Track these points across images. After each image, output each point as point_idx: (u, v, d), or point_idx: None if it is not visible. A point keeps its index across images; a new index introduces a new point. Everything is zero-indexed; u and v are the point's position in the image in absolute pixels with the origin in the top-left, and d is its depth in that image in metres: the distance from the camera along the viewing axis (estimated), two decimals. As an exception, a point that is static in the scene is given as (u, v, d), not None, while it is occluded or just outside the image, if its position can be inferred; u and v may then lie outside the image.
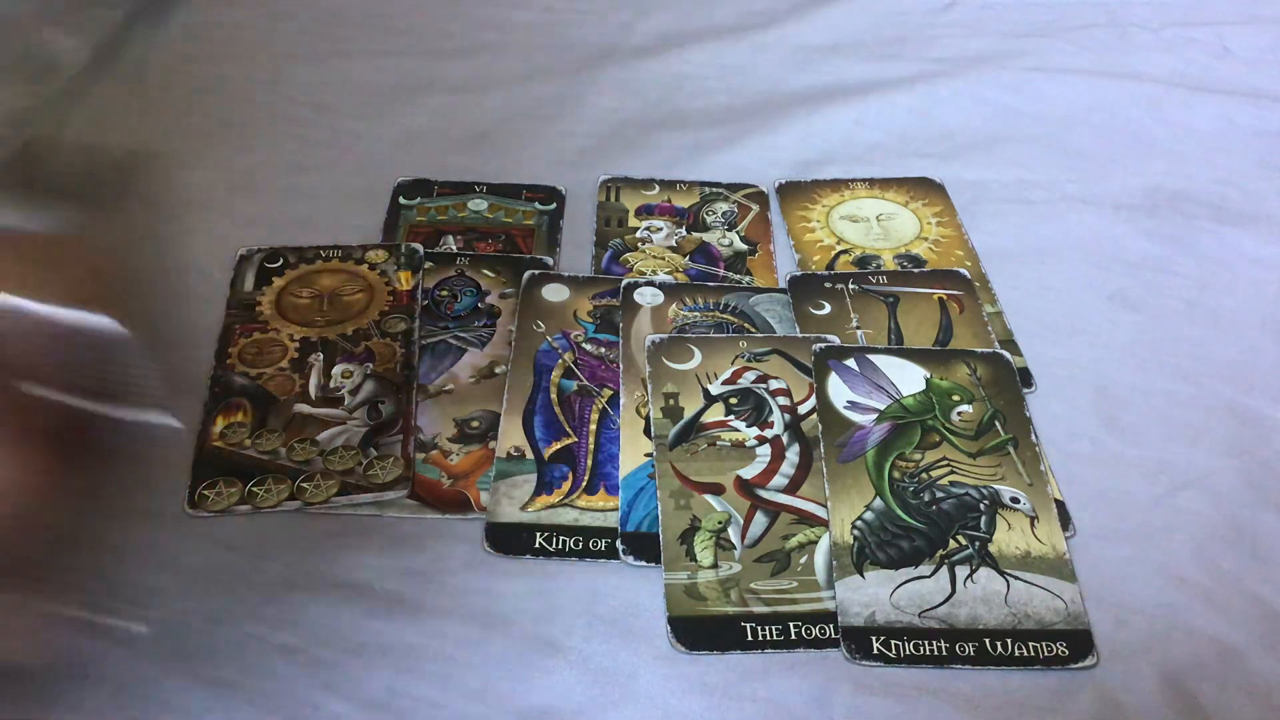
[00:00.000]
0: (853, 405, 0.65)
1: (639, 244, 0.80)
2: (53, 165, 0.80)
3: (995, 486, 0.61)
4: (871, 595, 0.56)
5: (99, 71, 0.94)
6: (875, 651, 0.54)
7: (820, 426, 0.64)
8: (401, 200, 0.83)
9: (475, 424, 0.65)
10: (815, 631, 0.55)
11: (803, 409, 0.65)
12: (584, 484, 0.62)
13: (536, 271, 0.75)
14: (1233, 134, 0.92)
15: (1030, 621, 0.55)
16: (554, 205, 0.83)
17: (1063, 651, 0.54)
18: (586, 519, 0.60)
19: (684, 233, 0.81)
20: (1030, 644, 0.54)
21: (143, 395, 0.61)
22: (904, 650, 0.54)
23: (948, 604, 0.56)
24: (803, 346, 0.69)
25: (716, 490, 0.61)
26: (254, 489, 0.60)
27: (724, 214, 0.83)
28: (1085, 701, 0.52)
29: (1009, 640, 0.54)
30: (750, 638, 0.54)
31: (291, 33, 1.02)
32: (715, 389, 0.66)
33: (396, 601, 0.55)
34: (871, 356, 0.68)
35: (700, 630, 0.54)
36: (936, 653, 0.54)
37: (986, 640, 0.54)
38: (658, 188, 0.85)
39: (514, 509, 0.60)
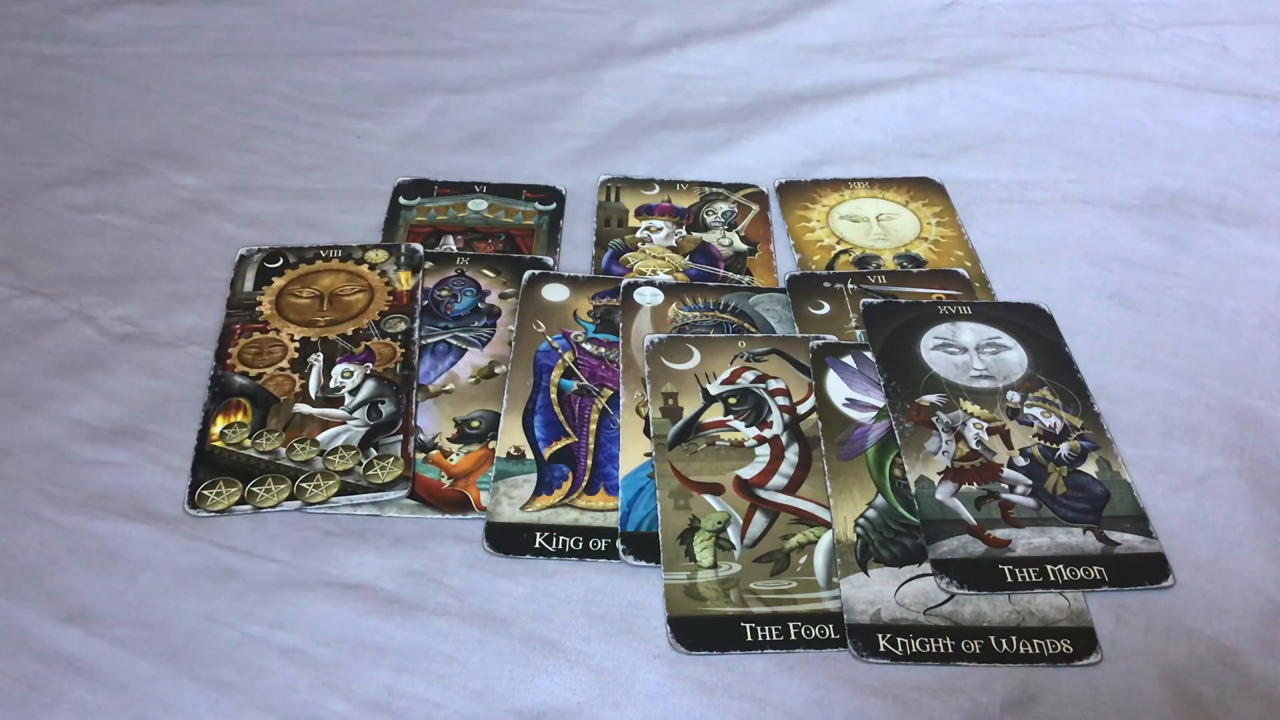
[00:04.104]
0: (851, 403, 0.65)
1: (639, 244, 0.80)
2: None
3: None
4: (876, 593, 0.56)
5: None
6: (882, 649, 0.54)
7: (820, 424, 0.64)
8: (401, 200, 0.83)
9: (475, 424, 0.65)
10: (815, 632, 0.54)
11: (802, 409, 0.65)
12: (584, 484, 0.61)
13: (536, 271, 0.75)
14: (1233, 134, 0.92)
15: (1034, 619, 0.55)
16: (554, 205, 0.83)
17: (1066, 649, 0.54)
18: (586, 519, 0.60)
19: (684, 233, 0.81)
20: (1034, 641, 0.54)
21: None
22: (910, 648, 0.54)
23: (952, 601, 0.56)
24: (802, 346, 0.69)
25: (716, 490, 0.61)
26: (254, 489, 0.60)
27: (724, 214, 0.83)
28: (1086, 700, 0.52)
29: (1013, 637, 0.54)
30: (750, 638, 0.54)
31: (292, 33, 1.02)
32: (714, 389, 0.66)
33: (396, 601, 0.55)
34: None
35: (700, 630, 0.54)
36: (942, 650, 0.54)
37: (991, 638, 0.54)
38: (658, 188, 0.85)
39: (514, 509, 0.60)
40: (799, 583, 0.56)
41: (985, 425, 0.64)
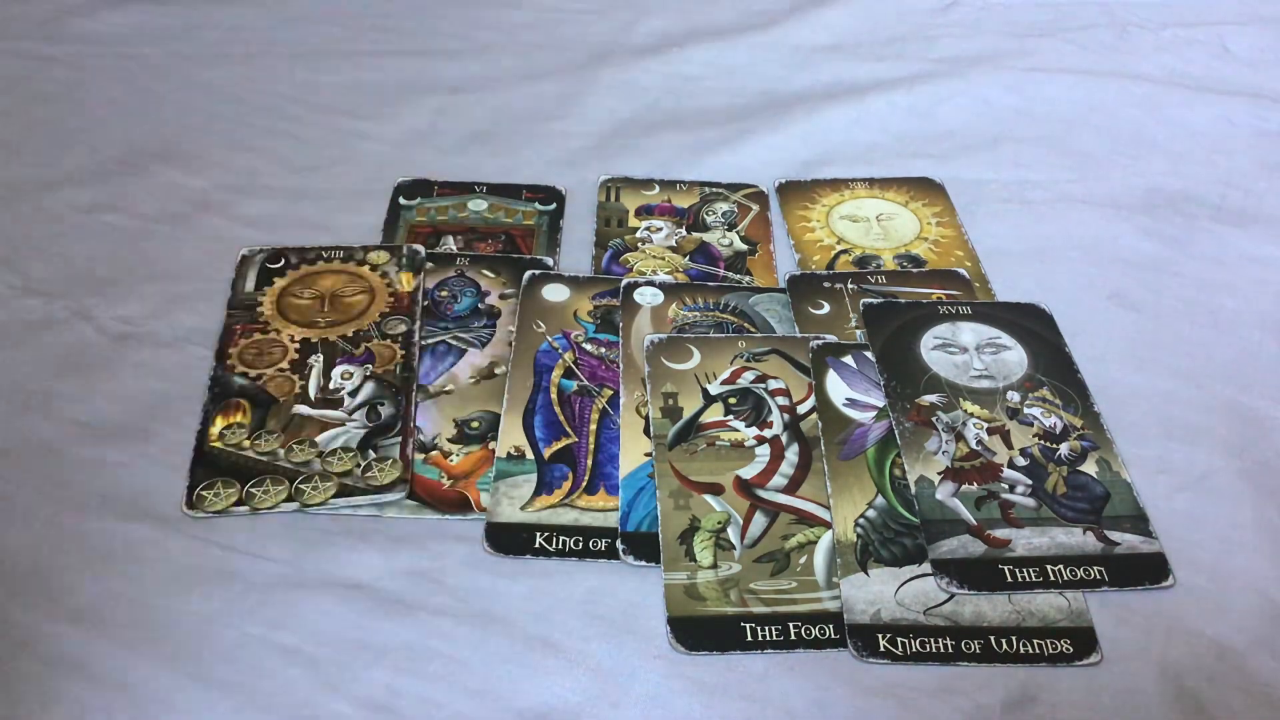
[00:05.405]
0: (851, 403, 0.65)
1: (639, 244, 0.80)
2: None
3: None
4: (876, 593, 0.56)
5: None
6: (882, 649, 0.54)
7: (820, 424, 0.64)
8: (401, 200, 0.83)
9: (475, 424, 0.65)
10: (815, 632, 0.54)
11: (802, 409, 0.65)
12: (584, 484, 0.61)
13: (536, 271, 0.75)
14: (1233, 134, 0.92)
15: (1034, 619, 0.55)
16: (554, 205, 0.83)
17: (1066, 649, 0.54)
18: (586, 519, 0.59)
19: (684, 233, 0.81)
20: (1034, 641, 0.54)
21: None
22: (910, 648, 0.54)
23: (952, 601, 0.56)
24: (802, 346, 0.69)
25: (716, 490, 0.61)
26: (252, 490, 0.60)
27: (724, 214, 0.83)
28: (1086, 700, 0.52)
29: (1013, 637, 0.54)
30: (750, 638, 0.54)
31: (291, 33, 1.02)
32: (714, 389, 0.66)
33: (396, 601, 0.55)
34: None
35: (700, 630, 0.54)
36: (942, 650, 0.54)
37: (991, 638, 0.54)
38: (658, 188, 0.85)
39: (514, 509, 0.60)
40: (799, 583, 0.56)
41: (985, 425, 0.64)
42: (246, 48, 0.99)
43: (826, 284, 0.75)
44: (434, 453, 0.63)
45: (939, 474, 0.61)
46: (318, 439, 0.63)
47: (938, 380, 0.67)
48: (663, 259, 0.78)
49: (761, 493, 0.61)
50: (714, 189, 0.85)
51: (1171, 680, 0.53)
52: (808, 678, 0.53)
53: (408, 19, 1.05)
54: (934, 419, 0.64)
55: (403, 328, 0.70)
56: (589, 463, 0.63)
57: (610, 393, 0.67)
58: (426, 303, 0.73)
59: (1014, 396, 0.66)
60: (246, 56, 0.98)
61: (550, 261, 0.77)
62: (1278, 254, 0.79)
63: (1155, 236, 0.81)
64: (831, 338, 0.70)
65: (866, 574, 0.57)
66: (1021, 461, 0.62)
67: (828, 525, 0.59)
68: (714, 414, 0.65)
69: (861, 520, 0.59)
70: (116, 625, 0.54)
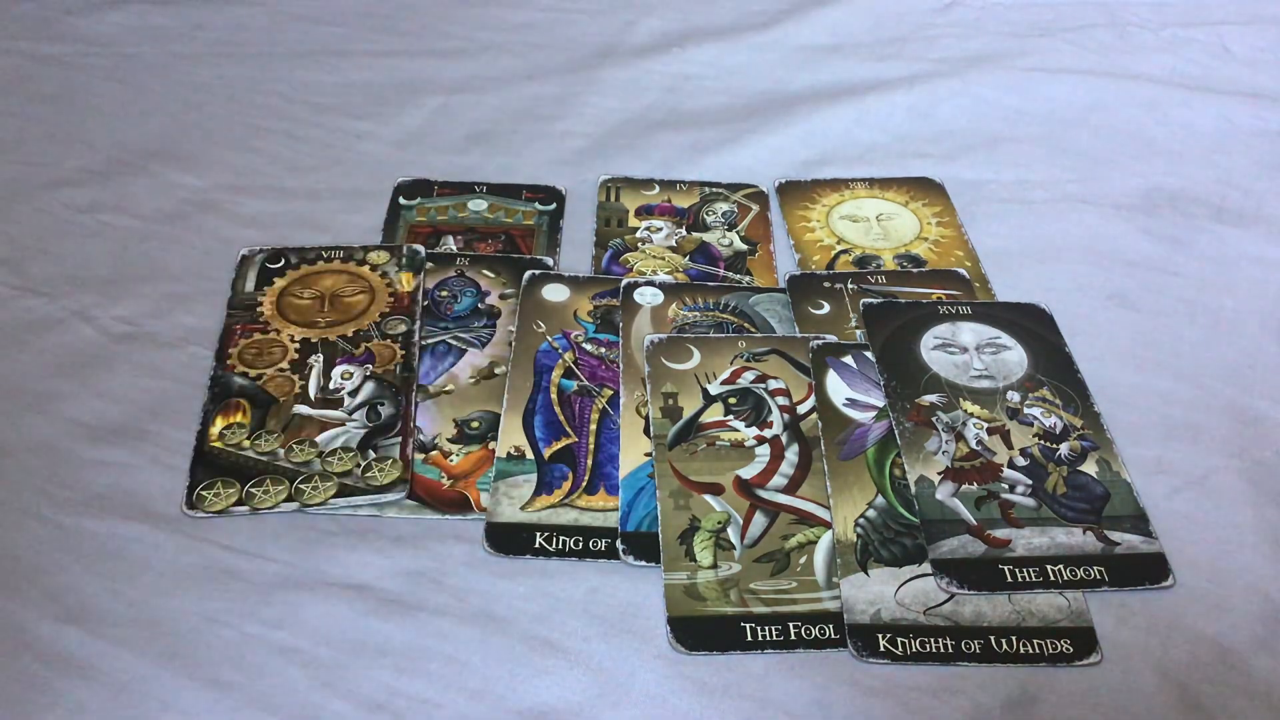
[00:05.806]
0: (851, 403, 0.65)
1: (639, 244, 0.80)
2: None
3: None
4: (876, 593, 0.56)
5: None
6: (882, 649, 0.54)
7: (820, 424, 0.64)
8: (401, 200, 0.83)
9: (475, 424, 0.65)
10: (815, 632, 0.54)
11: (802, 409, 0.65)
12: (584, 484, 0.61)
13: (536, 271, 0.75)
14: (1233, 134, 0.92)
15: (1034, 619, 0.55)
16: (554, 205, 0.83)
17: (1066, 649, 0.54)
18: (586, 519, 0.60)
19: (684, 233, 0.81)
20: (1034, 641, 0.54)
21: None
22: (910, 648, 0.54)
23: (952, 601, 0.56)
24: (802, 346, 0.69)
25: (716, 490, 0.61)
26: (252, 490, 0.60)
27: (724, 214, 0.83)
28: (1086, 700, 0.52)
29: (1013, 637, 0.54)
30: (750, 638, 0.54)
31: (292, 33, 1.02)
32: (714, 389, 0.66)
33: (396, 601, 0.55)
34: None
35: (700, 630, 0.54)
36: (942, 650, 0.54)
37: (991, 638, 0.54)
38: (658, 188, 0.85)
39: (514, 509, 0.60)
40: (799, 583, 0.56)
41: (985, 425, 0.64)
42: (246, 48, 0.99)
43: (826, 284, 0.75)
44: (434, 453, 0.63)
45: (939, 474, 0.61)
46: (318, 439, 0.63)
47: (938, 380, 0.67)
48: (663, 259, 0.78)
49: (761, 493, 0.61)
50: (714, 189, 0.85)
51: (1171, 680, 0.53)
52: (808, 678, 0.53)
53: (408, 19, 1.05)
54: (934, 419, 0.64)
55: (403, 328, 0.70)
56: (589, 463, 0.63)
57: (610, 393, 0.67)
58: (426, 303, 0.73)
59: (1014, 396, 0.66)
60: (246, 56, 0.98)
61: (550, 261, 0.77)
62: (1278, 254, 0.79)
63: (1155, 236, 0.81)
64: (831, 338, 0.70)
65: (866, 574, 0.57)
66: (1021, 461, 0.62)
67: (828, 525, 0.59)
68: (714, 414, 0.65)
69: (861, 520, 0.59)
70: (116, 625, 0.54)
